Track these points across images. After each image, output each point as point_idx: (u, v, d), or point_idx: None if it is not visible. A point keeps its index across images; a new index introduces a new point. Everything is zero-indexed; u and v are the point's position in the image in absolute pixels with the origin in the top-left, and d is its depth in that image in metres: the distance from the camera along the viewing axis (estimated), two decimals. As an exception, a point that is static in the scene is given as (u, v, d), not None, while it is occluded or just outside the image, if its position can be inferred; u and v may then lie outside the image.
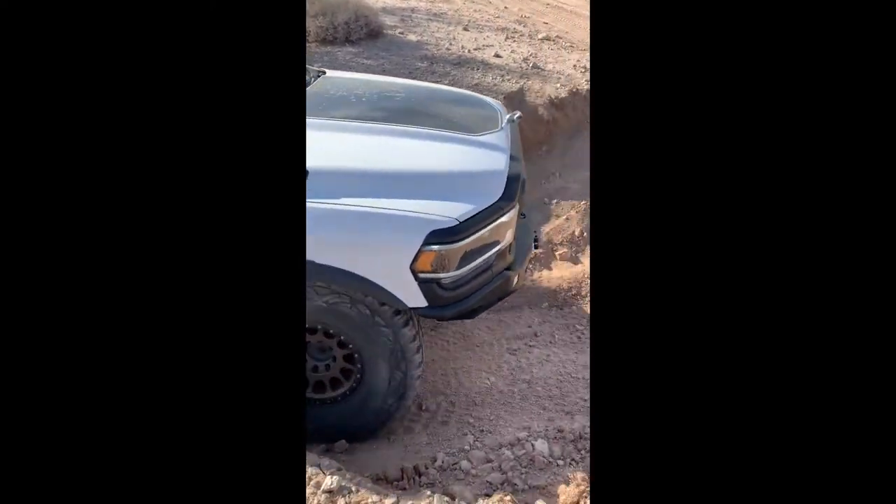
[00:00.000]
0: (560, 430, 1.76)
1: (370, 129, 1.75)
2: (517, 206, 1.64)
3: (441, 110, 2.10)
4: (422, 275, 1.44)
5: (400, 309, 1.51)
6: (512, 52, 4.75)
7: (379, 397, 1.62)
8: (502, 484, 1.53)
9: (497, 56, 4.61)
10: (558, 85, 4.10)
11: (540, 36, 5.28)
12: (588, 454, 1.62)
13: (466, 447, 1.69)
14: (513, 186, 1.60)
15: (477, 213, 1.48)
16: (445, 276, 1.47)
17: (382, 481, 1.54)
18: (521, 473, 1.57)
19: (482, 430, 1.82)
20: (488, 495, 1.45)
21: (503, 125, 1.90)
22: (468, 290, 1.56)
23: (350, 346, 1.57)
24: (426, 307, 1.49)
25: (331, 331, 1.54)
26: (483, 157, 1.70)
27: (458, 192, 1.51)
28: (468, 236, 1.47)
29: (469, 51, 4.70)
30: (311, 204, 1.34)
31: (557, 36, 5.32)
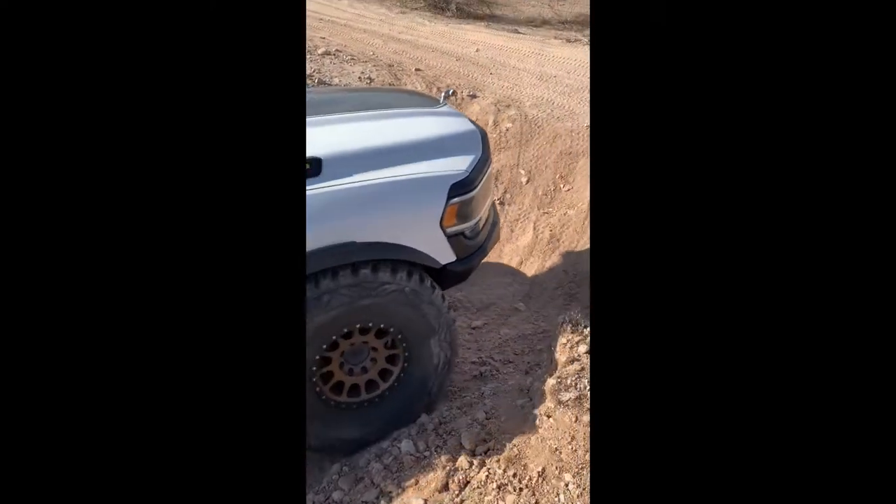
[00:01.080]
0: (421, 425, 1.83)
1: (354, 117, 1.78)
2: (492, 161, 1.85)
3: (390, 100, 2.25)
4: (449, 229, 1.56)
5: (434, 267, 1.60)
6: (294, 69, 4.66)
7: (432, 376, 1.72)
8: (377, 498, 1.53)
9: (279, 75, 4.47)
10: (348, 97, 4.18)
11: (319, 51, 5.28)
12: (448, 435, 1.73)
13: (335, 477, 1.64)
14: (486, 142, 1.77)
15: (476, 163, 1.62)
16: (467, 225, 1.61)
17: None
18: (393, 479, 1.59)
19: (349, 453, 1.78)
20: (365, 514, 1.43)
21: (443, 101, 2.07)
22: (483, 237, 1.74)
23: (397, 335, 1.61)
24: (455, 261, 1.62)
25: (376, 324, 1.57)
26: (453, 122, 1.82)
27: (452, 151, 1.63)
28: (478, 184, 1.61)
29: (247, 72, 4.45)
30: (337, 186, 1.37)
31: (337, 50, 5.40)
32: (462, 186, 1.56)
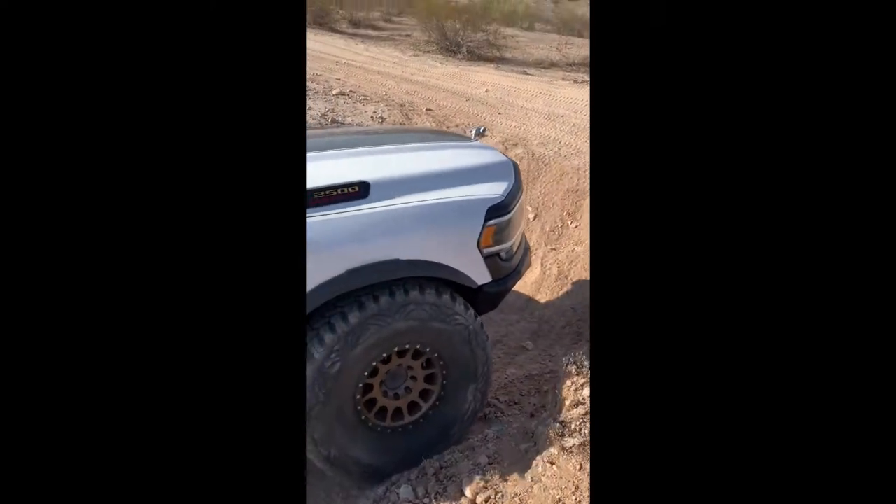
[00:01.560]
0: (422, 469, 1.77)
1: (396, 149, 1.89)
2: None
3: (424, 136, 2.36)
4: (486, 250, 1.61)
5: (471, 287, 1.63)
6: (309, 108, 4.83)
7: (458, 422, 1.73)
8: (372, 547, 1.46)
9: (294, 115, 4.63)
10: (359, 136, 4.30)
11: (334, 92, 5.49)
12: (449, 481, 1.67)
13: (330, 524, 1.58)
14: (518, 172, 1.86)
15: (511, 190, 1.70)
16: (502, 247, 1.67)
17: None
18: (390, 528, 1.53)
19: (346, 498, 1.72)
20: (359, 566, 1.37)
21: (474, 137, 2.19)
22: (517, 260, 1.80)
23: (443, 370, 1.64)
24: (491, 282, 1.66)
25: (433, 350, 1.59)
26: (486, 153, 1.93)
27: (488, 178, 1.72)
28: (513, 208, 1.69)
29: (264, 112, 4.63)
30: (383, 207, 1.46)
31: (351, 91, 5.60)
32: (499, 209, 1.63)
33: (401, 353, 1.59)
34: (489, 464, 1.73)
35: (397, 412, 1.68)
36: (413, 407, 1.70)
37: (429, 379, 1.68)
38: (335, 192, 1.45)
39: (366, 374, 1.54)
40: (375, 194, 1.49)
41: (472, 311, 1.67)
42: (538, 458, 1.63)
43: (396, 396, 1.66)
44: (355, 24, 11.28)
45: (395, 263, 1.45)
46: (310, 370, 1.42)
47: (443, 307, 1.57)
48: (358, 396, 1.55)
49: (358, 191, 1.47)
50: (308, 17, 10.96)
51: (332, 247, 1.39)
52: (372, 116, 4.82)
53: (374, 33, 10.73)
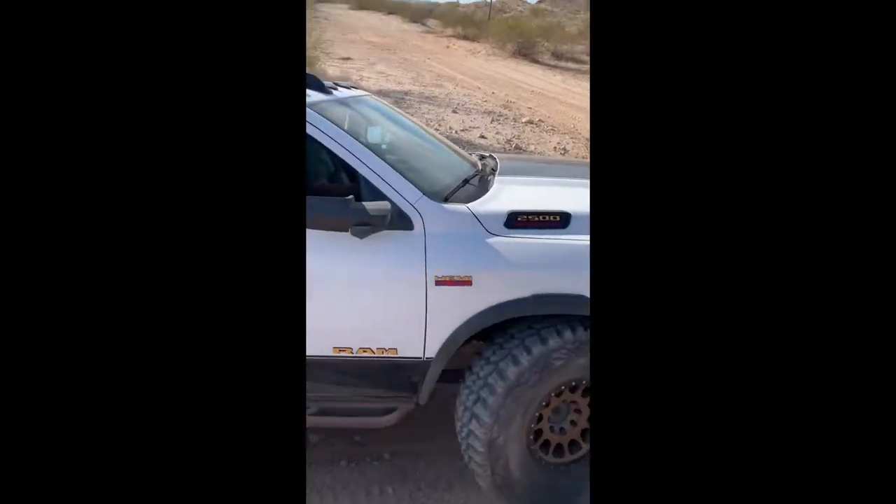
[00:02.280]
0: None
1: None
2: None
3: None
4: None
5: None
6: (496, 133, 5.07)
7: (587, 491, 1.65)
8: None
9: (482, 137, 4.92)
10: (539, 164, 4.34)
11: (523, 119, 5.66)
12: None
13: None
14: None
15: None
16: None
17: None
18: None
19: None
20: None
21: None
22: None
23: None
24: None
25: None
26: None
27: None
28: None
29: (456, 132, 5.02)
30: (581, 241, 1.46)
31: (540, 120, 5.71)
32: None
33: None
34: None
35: (545, 445, 1.60)
36: (558, 450, 1.61)
37: (584, 433, 1.58)
38: (538, 218, 1.48)
39: (562, 387, 1.50)
40: (575, 226, 1.47)
41: None
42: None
43: (551, 430, 1.61)
44: (558, 56, 11.51)
45: (581, 299, 1.40)
46: (538, 351, 1.44)
47: None
48: (544, 404, 1.53)
49: (559, 220, 1.48)
50: (513, 47, 11.56)
51: (525, 269, 1.41)
52: (555, 147, 4.83)
53: (574, 66, 10.78)
